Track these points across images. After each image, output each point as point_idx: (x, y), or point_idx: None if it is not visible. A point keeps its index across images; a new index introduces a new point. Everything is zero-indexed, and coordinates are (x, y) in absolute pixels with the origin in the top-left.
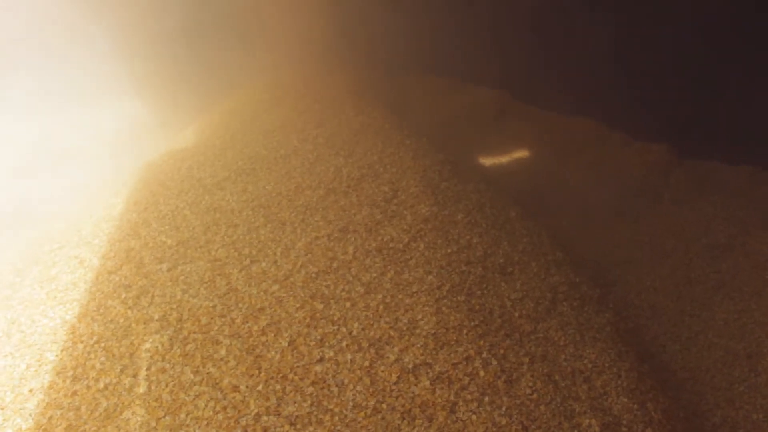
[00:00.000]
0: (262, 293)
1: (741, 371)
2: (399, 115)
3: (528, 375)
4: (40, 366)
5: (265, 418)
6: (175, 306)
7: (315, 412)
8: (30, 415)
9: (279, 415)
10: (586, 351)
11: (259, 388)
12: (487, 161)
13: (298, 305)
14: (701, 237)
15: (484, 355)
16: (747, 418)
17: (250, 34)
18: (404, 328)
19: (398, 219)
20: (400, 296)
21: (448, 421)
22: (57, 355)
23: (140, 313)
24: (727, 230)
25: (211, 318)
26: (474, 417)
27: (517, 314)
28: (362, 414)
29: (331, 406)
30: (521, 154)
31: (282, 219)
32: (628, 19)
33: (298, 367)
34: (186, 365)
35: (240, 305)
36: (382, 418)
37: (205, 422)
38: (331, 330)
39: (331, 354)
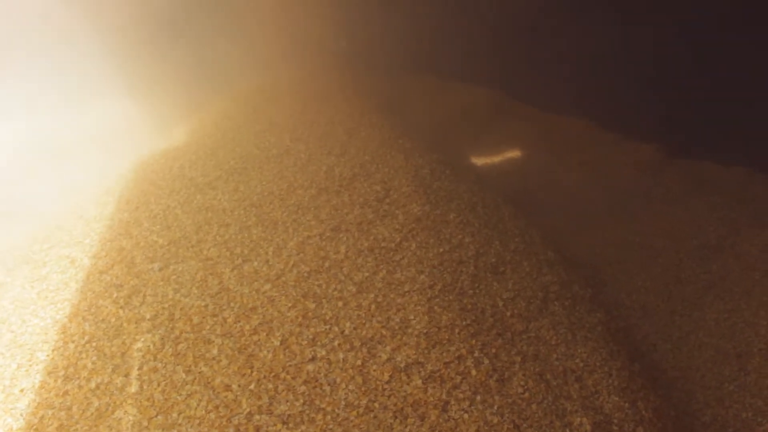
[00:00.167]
0: (254, 292)
1: (731, 370)
2: (392, 114)
3: (520, 374)
4: (31, 366)
5: (257, 417)
6: (166, 305)
7: (307, 411)
8: (21, 414)
9: (271, 414)
10: (578, 350)
11: (252, 387)
12: (479, 161)
13: (290, 304)
14: (692, 237)
15: (476, 354)
16: (736, 417)
17: (245, 33)
18: (396, 327)
19: (390, 218)
20: (392, 295)
21: (440, 420)
22: (48, 355)
23: (132, 313)
24: (718, 230)
25: (203, 317)
26: (466, 416)
27: (509, 313)
28: (354, 413)
29: (323, 405)
30: (514, 153)
31: (274, 218)
32: (621, 20)
33: (290, 366)
34: (178, 364)
35: (232, 304)
36: (375, 417)
37: (197, 421)
38: (323, 329)
39: (324, 353)
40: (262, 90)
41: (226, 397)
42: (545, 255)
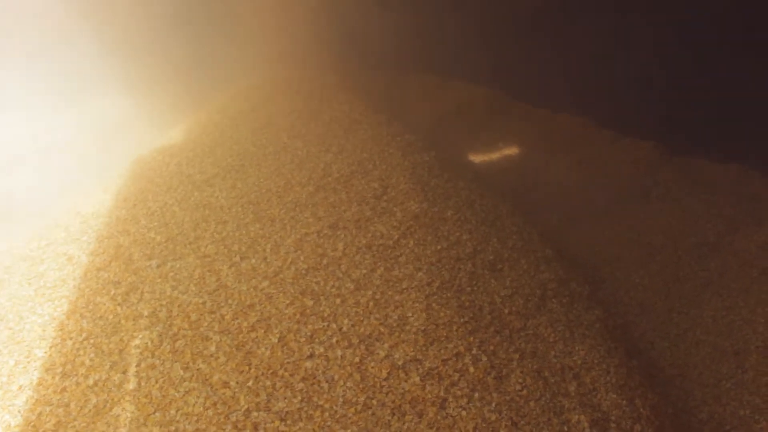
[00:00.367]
0: (251, 290)
1: (728, 368)
2: (390, 111)
3: (518, 371)
4: (28, 363)
5: (255, 414)
6: (164, 302)
7: (305, 408)
8: (19, 411)
9: (269, 410)
10: (576, 347)
11: (249, 384)
12: (477, 158)
13: (288, 302)
14: (690, 235)
15: (474, 351)
16: (734, 414)
17: (243, 31)
18: (394, 325)
19: (388, 216)
20: (390, 293)
21: (438, 417)
22: (46, 352)
23: (129, 310)
24: (716, 228)
25: (201, 314)
26: (464, 413)
27: (506, 311)
28: (352, 410)
29: (321, 402)
30: (511, 151)
31: (271, 215)
32: (618, 17)
33: (288, 363)
34: (176, 361)
35: (230, 301)
36: (372, 414)
37: (195, 418)
38: (321, 326)
39: (321, 350)
40: (259, 87)
41: (224, 394)
42: (543, 252)
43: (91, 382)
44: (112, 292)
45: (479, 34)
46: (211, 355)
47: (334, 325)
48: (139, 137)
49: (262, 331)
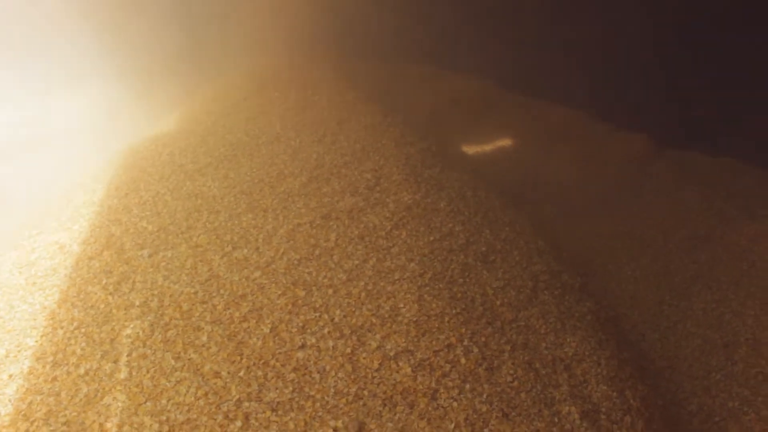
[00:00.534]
0: (243, 280)
1: (718, 360)
2: (384, 102)
3: (509, 363)
4: (19, 352)
5: (246, 404)
6: (156, 292)
7: (296, 399)
8: (9, 400)
9: (260, 401)
10: (567, 339)
11: (241, 374)
12: (471, 150)
13: (279, 292)
14: (681, 227)
15: (466, 342)
16: (723, 406)
17: (237, 20)
18: (386, 316)
19: (381, 206)
20: (382, 283)
21: (429, 408)
22: (37, 341)
23: (121, 299)
24: (706, 221)
25: (193, 304)
26: (455, 404)
27: (498, 302)
28: (344, 400)
29: (312, 393)
30: (505, 143)
31: (264, 206)
32: (614, 12)
33: (279, 353)
34: (167, 351)
35: (221, 292)
36: (364, 405)
37: (186, 408)
38: (313, 317)
39: (313, 341)
40: (253, 77)
41: (215, 384)
42: (535, 244)
43: (82, 371)
44: (104, 282)
45: (476, 26)
46: (203, 345)
47: (326, 316)
48: (132, 126)
49: (254, 321)
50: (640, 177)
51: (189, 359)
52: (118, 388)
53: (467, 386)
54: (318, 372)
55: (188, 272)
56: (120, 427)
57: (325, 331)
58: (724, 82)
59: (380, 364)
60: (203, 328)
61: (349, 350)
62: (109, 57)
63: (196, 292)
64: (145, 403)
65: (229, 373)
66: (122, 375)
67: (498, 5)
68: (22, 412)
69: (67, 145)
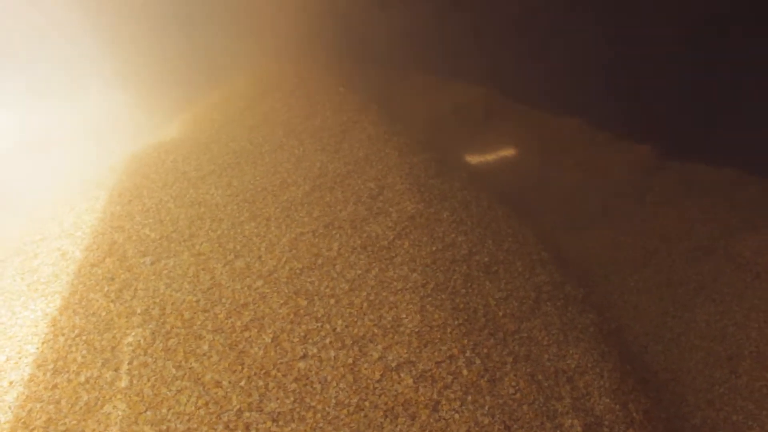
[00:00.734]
0: (245, 289)
1: (721, 373)
2: (387, 111)
3: (511, 374)
4: (20, 358)
5: (247, 414)
6: (158, 300)
7: (297, 409)
8: (9, 407)
9: (261, 411)
10: (570, 351)
11: (242, 383)
12: (473, 159)
13: (281, 301)
14: (684, 239)
15: (468, 354)
16: (727, 420)
17: (241, 28)
18: (388, 326)
19: (383, 216)
20: (384, 294)
21: (431, 420)
22: (38, 348)
23: (123, 307)
24: (710, 232)
25: (194, 313)
26: (457, 416)
27: (501, 313)
28: (345, 411)
29: (313, 403)
30: (508, 152)
31: (267, 214)
32: (615, 20)
33: (281, 363)
34: (168, 360)
35: (223, 300)
36: (365, 416)
37: (186, 417)
38: (314, 327)
39: (315, 351)
40: (256, 84)
41: (216, 393)
42: (538, 255)
43: (82, 379)
44: (106, 289)
45: (478, 35)
46: (204, 354)
47: (327, 326)
48: (136, 133)
49: (256, 330)
50: (643, 187)
51: (190, 368)
52: (119, 396)
53: (469, 398)
54: (319, 382)
55: (190, 280)
56: None
57: (327, 341)
58: (729, 92)
59: (382, 375)
60: (205, 337)
61: (350, 361)
62: (114, 63)
63: (198, 301)
64: (145, 412)
65: (230, 382)
66: (123, 383)
67: (501, 15)
68: (22, 420)
69: (70, 151)
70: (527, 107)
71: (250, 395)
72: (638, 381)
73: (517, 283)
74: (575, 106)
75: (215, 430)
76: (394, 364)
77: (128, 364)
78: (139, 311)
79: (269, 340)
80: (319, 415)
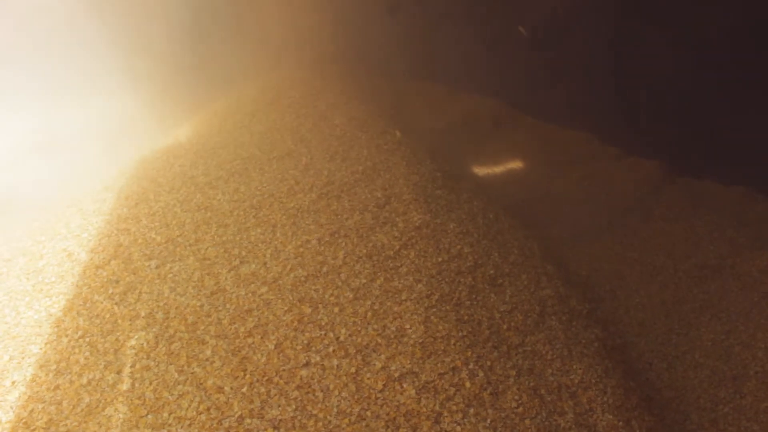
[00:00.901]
0: (250, 295)
1: (726, 392)
2: (395, 120)
3: (514, 388)
4: (23, 358)
5: (248, 420)
6: (162, 304)
7: (299, 417)
8: (11, 407)
9: (262, 418)
10: (573, 366)
11: (244, 390)
12: (481, 170)
13: (286, 308)
14: (691, 256)
15: (471, 366)
16: None
17: (251, 34)
18: (392, 336)
19: (390, 226)
20: (388, 303)
21: None
22: (41, 348)
23: (127, 310)
24: (717, 250)
25: (198, 317)
26: (458, 428)
27: (505, 326)
28: (346, 421)
29: (315, 412)
30: (515, 165)
31: (273, 221)
32: (625, 35)
33: (283, 370)
34: (171, 364)
35: (227, 306)
36: (366, 426)
37: (187, 422)
38: (318, 335)
39: (318, 359)
40: (266, 91)
41: (217, 399)
42: (544, 268)
43: (84, 380)
44: (110, 291)
45: (487, 46)
46: (207, 359)
47: (331, 334)
48: (143, 136)
49: (259, 336)
50: (651, 202)
51: (192, 373)
52: (120, 399)
53: (471, 411)
54: (321, 391)
55: (195, 285)
56: None
57: (330, 349)
58: (739, 109)
59: (384, 385)
60: (208, 342)
61: (353, 370)
62: (124, 67)
63: (202, 306)
64: (146, 415)
65: (232, 388)
66: (125, 386)
67: (510, 27)
68: (23, 420)
69: (80, 153)
70: (536, 119)
71: (251, 402)
72: (642, 398)
73: (522, 296)
74: (584, 120)
75: None
76: (396, 375)
77: (131, 367)
78: (143, 314)
79: (272, 347)
80: (320, 423)
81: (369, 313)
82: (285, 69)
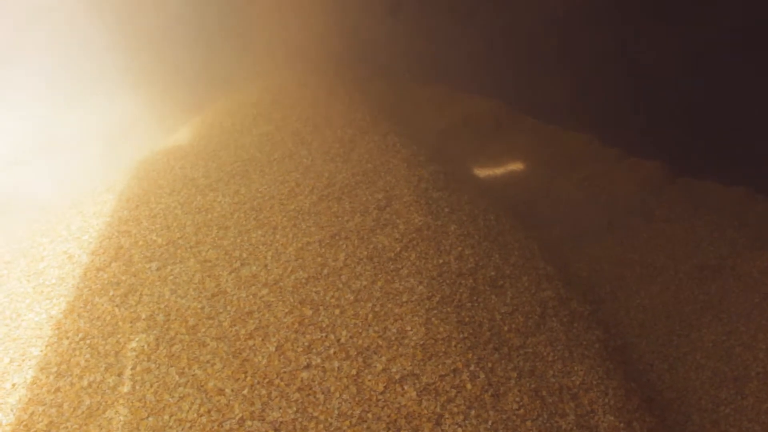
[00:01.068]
0: (251, 297)
1: (727, 393)
2: (396, 122)
3: (515, 390)
4: (23, 361)
5: (249, 422)
6: (162, 306)
7: (300, 419)
8: (11, 410)
9: (263, 420)
10: (575, 367)
11: (245, 392)
12: (482, 172)
13: (286, 310)
14: (692, 256)
15: (472, 368)
16: None
17: (252, 35)
18: (393, 338)
19: (391, 227)
20: (389, 305)
21: None
22: (41, 351)
23: (127, 312)
24: (718, 251)
25: (199, 319)
26: (460, 430)
27: (506, 328)
28: (347, 423)
29: (316, 414)
30: (516, 166)
31: (274, 223)
32: (627, 37)
33: (284, 372)
34: (171, 366)
35: (228, 308)
36: (367, 428)
37: (188, 425)
38: (319, 337)
39: (319, 361)
40: (266, 92)
41: (218, 401)
42: (545, 270)
43: (85, 383)
44: (111, 293)
45: (488, 47)
46: (208, 362)
47: (332, 336)
48: (144, 138)
49: (260, 339)
50: (651, 203)
51: (193, 375)
52: (121, 401)
53: (472, 412)
54: (322, 393)
55: (196, 287)
56: None
57: (331, 351)
58: (740, 110)
59: (385, 387)
60: (208, 344)
61: (354, 372)
62: (125, 69)
63: (203, 308)
64: (147, 418)
65: (232, 390)
66: (125, 389)
67: (514, 28)
68: (24, 423)
69: (80, 155)
70: (537, 121)
71: (252, 404)
72: (643, 399)
73: (523, 297)
74: (585, 122)
75: None
76: (397, 377)
77: (131, 369)
78: (143, 317)
79: (273, 349)
80: (321, 425)
81: (370, 315)
82: (285, 70)
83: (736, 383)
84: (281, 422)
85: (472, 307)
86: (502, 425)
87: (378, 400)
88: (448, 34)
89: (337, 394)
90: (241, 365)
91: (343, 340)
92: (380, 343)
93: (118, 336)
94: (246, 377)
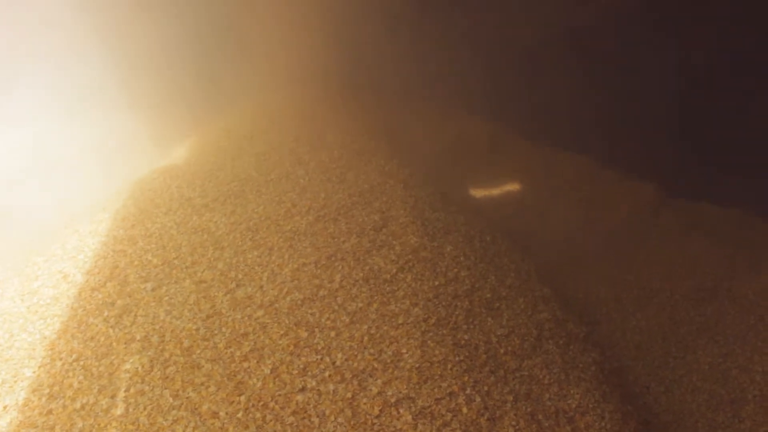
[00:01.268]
0: (246, 318)
1: (724, 417)
2: (393, 142)
3: (511, 413)
4: (15, 382)
5: None
6: (157, 327)
7: None
8: None
9: None
10: (571, 390)
11: (239, 415)
12: (478, 193)
13: (282, 332)
14: (687, 278)
15: (468, 391)
16: None
17: (250, 54)
18: (388, 361)
19: (387, 249)
20: (385, 327)
21: None
22: (34, 372)
23: (122, 333)
24: (714, 273)
25: (194, 341)
26: None
27: (502, 350)
28: None
29: None
30: (512, 187)
31: (270, 244)
32: (623, 58)
33: (279, 395)
34: (165, 388)
35: (223, 329)
36: None
37: None
38: (314, 359)
39: (314, 384)
40: (264, 111)
41: (212, 424)
42: (541, 292)
43: (78, 405)
44: (106, 314)
45: (486, 67)
46: (202, 384)
47: (327, 359)
48: (141, 156)
49: (255, 361)
50: (648, 225)
51: (187, 397)
52: (114, 424)
53: None
54: (317, 416)
55: (191, 308)
56: None
57: (326, 374)
58: (736, 131)
59: (381, 411)
60: (203, 366)
61: (349, 395)
62: (123, 86)
63: (197, 329)
64: None
65: (227, 413)
66: (119, 411)
67: (511, 49)
68: None
69: (76, 173)
70: (532, 142)
71: (246, 427)
72: (640, 422)
73: (519, 320)
74: (581, 143)
75: None
76: (393, 400)
77: (125, 391)
78: (138, 338)
79: (268, 372)
80: None
81: (365, 338)
82: (284, 90)
83: (732, 406)
84: None
85: (468, 330)
86: None
87: (373, 424)
88: (447, 55)
89: (332, 418)
90: (236, 388)
91: (338, 363)
92: (376, 365)
93: (112, 357)
94: (240, 400)
